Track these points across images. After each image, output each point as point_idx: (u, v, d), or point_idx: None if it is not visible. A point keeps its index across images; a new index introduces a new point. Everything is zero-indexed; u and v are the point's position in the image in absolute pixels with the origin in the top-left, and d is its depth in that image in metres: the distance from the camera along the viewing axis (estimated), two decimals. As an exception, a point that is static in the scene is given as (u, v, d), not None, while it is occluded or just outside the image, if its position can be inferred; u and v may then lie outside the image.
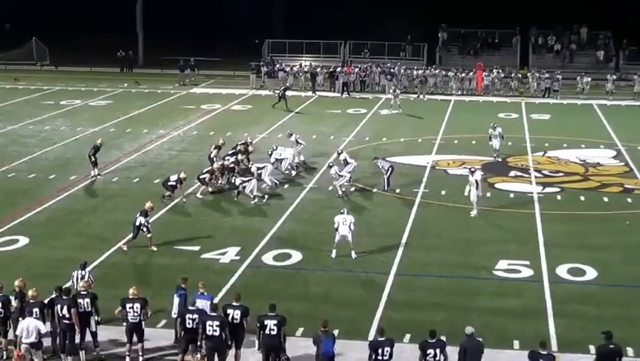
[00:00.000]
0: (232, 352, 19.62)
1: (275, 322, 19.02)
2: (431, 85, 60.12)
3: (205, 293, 20.50)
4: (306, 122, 48.45)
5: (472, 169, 31.90)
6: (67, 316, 19.84)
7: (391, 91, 53.78)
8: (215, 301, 20.97)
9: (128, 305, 19.96)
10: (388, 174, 34.32)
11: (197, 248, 27.57)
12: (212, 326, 19.00)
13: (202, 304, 19.93)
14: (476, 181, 31.07)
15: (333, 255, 26.67)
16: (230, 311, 19.62)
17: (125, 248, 27.33)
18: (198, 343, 19.41)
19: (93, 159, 35.74)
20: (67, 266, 24.42)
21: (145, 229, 27.12)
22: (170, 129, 46.45)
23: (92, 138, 43.30)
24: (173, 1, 77.05)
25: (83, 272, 21.94)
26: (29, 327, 19.07)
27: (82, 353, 20.05)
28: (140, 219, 27.17)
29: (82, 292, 20.28)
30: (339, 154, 36.15)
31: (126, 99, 56.75)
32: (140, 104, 54.07)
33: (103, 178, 35.96)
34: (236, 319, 19.54)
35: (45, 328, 19.33)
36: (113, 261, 26.49)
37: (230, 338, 19.45)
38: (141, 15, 74.60)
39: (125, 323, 20.24)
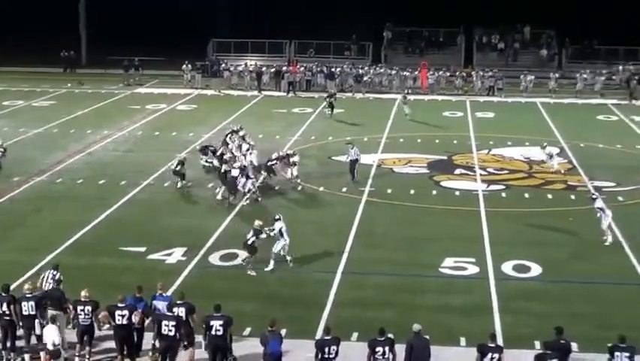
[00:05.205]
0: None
1: (221, 322, 18.98)
2: (377, 84, 60.42)
3: (164, 294, 20.49)
4: (252, 122, 48.26)
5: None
6: (7, 313, 19.77)
7: (401, 97, 51.73)
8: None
9: (79, 307, 19.75)
10: (355, 165, 35.14)
11: (143, 249, 27.37)
12: (167, 325, 18.96)
13: (161, 305, 19.87)
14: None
15: (271, 266, 25.79)
16: (175, 310, 19.60)
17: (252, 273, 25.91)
18: (152, 342, 19.36)
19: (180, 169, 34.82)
20: (13, 269, 24.26)
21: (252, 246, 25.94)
22: (115, 130, 46.03)
23: (35, 139, 42.97)
24: (115, 1, 76.32)
25: (55, 272, 21.52)
26: (47, 335, 18.90)
27: (27, 357, 19.84)
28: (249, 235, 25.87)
29: (27, 295, 20.01)
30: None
31: (70, 100, 56.06)
32: (84, 105, 53.41)
33: (47, 180, 35.58)
34: (182, 316, 19.54)
35: (59, 338, 18.94)
36: (58, 263, 26.00)
37: (185, 339, 19.46)
38: (84, 15, 73.93)
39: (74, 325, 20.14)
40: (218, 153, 35.36)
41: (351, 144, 36.18)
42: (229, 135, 37.65)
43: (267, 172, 34.63)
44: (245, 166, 32.96)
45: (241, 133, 37.54)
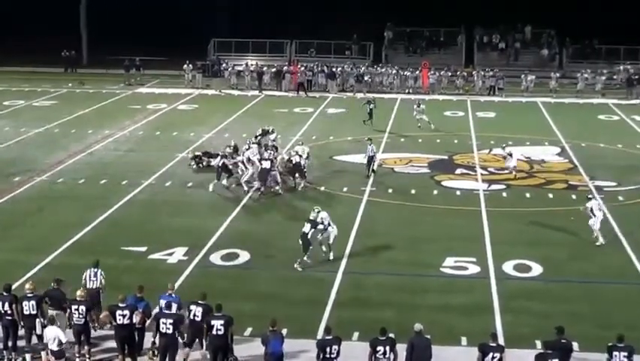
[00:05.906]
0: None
1: (222, 322, 18.98)
2: (377, 84, 60.42)
3: (173, 295, 20.49)
4: (253, 122, 48.22)
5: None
6: (8, 312, 19.80)
7: (416, 107, 48.74)
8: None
9: (73, 307, 19.75)
10: (373, 160, 35.84)
11: (144, 249, 27.38)
12: (165, 323, 18.99)
13: (163, 303, 19.85)
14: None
15: (332, 256, 26.61)
16: (192, 308, 19.71)
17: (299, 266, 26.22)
18: (152, 339, 19.38)
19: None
20: (13, 269, 24.26)
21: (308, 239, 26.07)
22: (116, 129, 46.04)
23: (35, 139, 43.01)
24: (116, 1, 76.36)
25: (96, 269, 21.64)
26: (50, 335, 18.88)
27: (28, 356, 19.85)
28: (307, 228, 26.06)
29: (28, 295, 20.00)
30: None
31: (71, 99, 56.10)
32: (85, 105, 53.43)
33: (48, 179, 35.59)
34: (198, 317, 19.58)
35: (64, 336, 18.99)
36: (60, 263, 26.14)
37: (184, 337, 19.47)
38: (85, 15, 74.00)
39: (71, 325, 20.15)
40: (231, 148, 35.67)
41: (370, 141, 36.61)
42: (259, 136, 37.56)
43: (300, 175, 34.60)
44: (274, 160, 33.89)
45: (272, 137, 37.50)
